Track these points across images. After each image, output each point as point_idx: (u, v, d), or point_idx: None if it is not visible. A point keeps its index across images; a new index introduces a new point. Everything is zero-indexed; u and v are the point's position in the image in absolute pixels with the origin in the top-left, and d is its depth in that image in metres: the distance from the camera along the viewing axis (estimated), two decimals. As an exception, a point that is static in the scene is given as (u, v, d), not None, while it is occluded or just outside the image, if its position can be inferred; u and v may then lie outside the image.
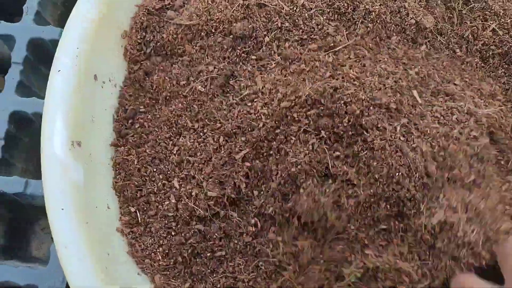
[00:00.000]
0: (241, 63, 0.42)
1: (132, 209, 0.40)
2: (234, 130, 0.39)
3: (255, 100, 0.39)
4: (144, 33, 0.44)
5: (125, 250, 0.39)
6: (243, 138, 0.38)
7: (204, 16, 0.43)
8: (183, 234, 0.38)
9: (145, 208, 0.40)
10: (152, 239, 0.39)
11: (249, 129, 0.38)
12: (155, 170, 0.41)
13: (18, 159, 0.51)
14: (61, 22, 0.58)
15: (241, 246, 0.37)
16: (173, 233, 0.39)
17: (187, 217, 0.38)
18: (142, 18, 0.45)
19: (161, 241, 0.39)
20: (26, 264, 0.49)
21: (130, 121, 0.43)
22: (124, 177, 0.41)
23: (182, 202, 0.38)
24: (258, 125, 0.38)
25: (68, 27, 0.42)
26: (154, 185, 0.40)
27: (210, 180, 0.38)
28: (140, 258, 0.39)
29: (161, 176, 0.40)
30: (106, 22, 0.43)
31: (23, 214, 0.52)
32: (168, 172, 0.40)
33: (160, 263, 0.39)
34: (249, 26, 0.42)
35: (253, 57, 0.42)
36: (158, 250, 0.39)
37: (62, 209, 0.36)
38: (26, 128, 0.50)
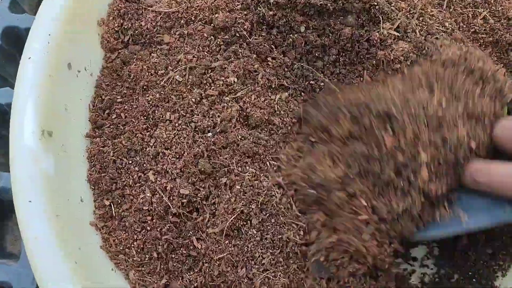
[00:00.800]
0: (219, 54, 0.41)
1: (107, 202, 0.39)
2: (208, 126, 0.38)
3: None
4: (121, 21, 0.43)
5: (98, 245, 0.38)
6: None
7: (184, 4, 0.42)
8: (158, 229, 0.37)
9: (120, 202, 0.38)
10: (127, 233, 0.37)
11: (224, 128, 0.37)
12: (130, 162, 0.39)
13: (-8, 151, 0.50)
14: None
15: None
16: (148, 228, 0.37)
17: (162, 212, 0.37)
18: (120, 5, 0.43)
19: (135, 236, 0.37)
20: (1, 260, 0.47)
21: (106, 112, 0.42)
22: (99, 169, 0.40)
23: (157, 196, 0.37)
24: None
25: (40, 13, 0.40)
26: (129, 178, 0.39)
27: (183, 176, 0.37)
28: (114, 253, 0.37)
29: (136, 169, 0.39)
30: (81, 8, 0.41)
31: (-3, 209, 0.50)
32: (144, 165, 0.38)
33: (134, 258, 0.37)
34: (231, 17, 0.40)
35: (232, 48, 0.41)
36: (132, 245, 0.37)
37: (30, 201, 0.34)
38: (1, 120, 0.49)
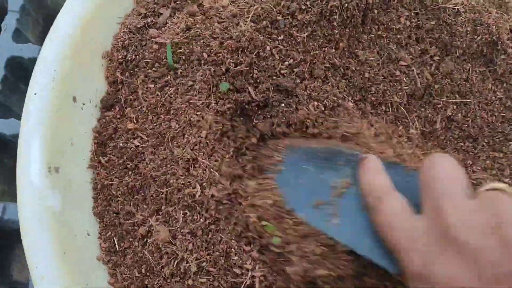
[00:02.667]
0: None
1: (112, 235, 0.39)
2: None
3: None
4: (125, 52, 0.43)
5: (106, 280, 0.38)
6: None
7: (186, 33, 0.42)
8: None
9: (122, 237, 0.38)
10: (129, 271, 0.37)
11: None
12: (132, 198, 0.39)
13: (-3, 181, 0.50)
14: (43, 39, 0.56)
15: None
16: (144, 272, 0.37)
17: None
18: (124, 36, 0.43)
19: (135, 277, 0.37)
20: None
21: (110, 144, 0.42)
22: (103, 202, 0.40)
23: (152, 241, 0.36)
24: None
25: (45, 46, 0.40)
26: (130, 216, 0.38)
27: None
28: None
29: (137, 208, 0.38)
30: (86, 40, 0.42)
31: (2, 239, 0.50)
32: (145, 205, 0.38)
33: None
34: None
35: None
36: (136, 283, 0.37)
37: (38, 240, 0.34)
38: (5, 150, 0.49)
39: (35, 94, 0.38)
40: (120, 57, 0.43)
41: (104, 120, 0.42)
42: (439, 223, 0.27)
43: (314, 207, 0.33)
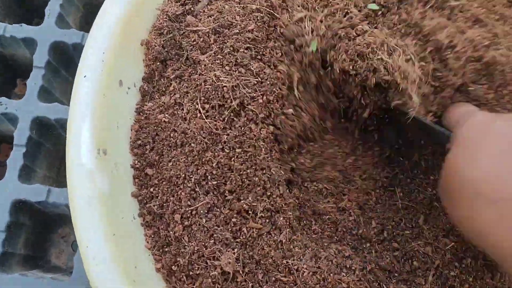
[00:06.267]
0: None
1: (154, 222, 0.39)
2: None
3: None
4: (162, 40, 0.42)
5: (152, 263, 0.38)
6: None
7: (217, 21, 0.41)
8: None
9: (167, 224, 0.38)
10: (173, 258, 0.37)
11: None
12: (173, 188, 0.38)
13: (40, 165, 0.50)
14: (83, 25, 0.56)
15: None
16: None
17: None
18: (163, 24, 0.43)
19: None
20: (49, 275, 0.47)
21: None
22: (142, 187, 0.40)
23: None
24: None
25: (93, 29, 0.40)
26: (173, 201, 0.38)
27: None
28: (165, 274, 0.37)
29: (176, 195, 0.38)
30: (132, 25, 0.41)
31: (43, 223, 0.51)
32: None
33: (185, 285, 0.37)
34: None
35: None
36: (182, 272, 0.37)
37: (90, 220, 0.34)
38: (48, 134, 0.49)
39: (84, 76, 0.38)
40: (157, 44, 0.42)
41: (140, 106, 0.42)
42: None
43: None
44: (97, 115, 0.38)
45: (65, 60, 0.51)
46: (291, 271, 0.35)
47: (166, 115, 0.39)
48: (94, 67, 0.39)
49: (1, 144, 0.58)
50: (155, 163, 0.39)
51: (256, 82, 0.38)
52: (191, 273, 0.36)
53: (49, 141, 0.50)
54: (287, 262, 0.35)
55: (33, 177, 0.49)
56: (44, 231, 0.52)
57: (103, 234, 0.35)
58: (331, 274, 0.35)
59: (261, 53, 0.40)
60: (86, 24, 0.56)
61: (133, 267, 0.36)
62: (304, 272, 0.34)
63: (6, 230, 0.45)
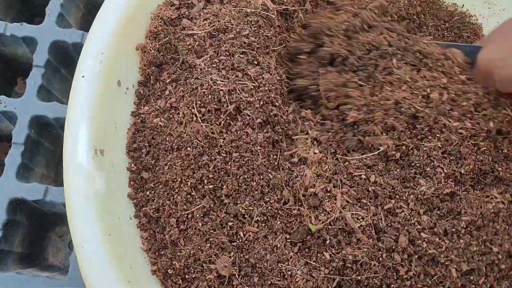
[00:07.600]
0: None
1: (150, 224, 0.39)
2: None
3: None
4: (157, 44, 0.42)
5: (147, 265, 0.38)
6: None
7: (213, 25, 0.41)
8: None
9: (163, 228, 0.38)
10: (169, 261, 0.37)
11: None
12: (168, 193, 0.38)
13: (38, 164, 0.50)
14: (83, 24, 0.57)
15: None
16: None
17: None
18: (158, 28, 0.43)
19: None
20: (45, 273, 0.47)
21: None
22: (138, 189, 0.40)
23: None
24: None
25: (93, 29, 0.40)
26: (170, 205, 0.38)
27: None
28: (161, 277, 0.37)
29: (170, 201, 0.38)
30: (131, 26, 0.41)
31: (41, 221, 0.51)
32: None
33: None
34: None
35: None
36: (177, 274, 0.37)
37: (85, 220, 0.34)
38: (47, 133, 0.49)
39: (83, 76, 0.38)
40: (153, 47, 0.42)
41: (136, 109, 0.42)
42: None
43: None
44: (95, 114, 0.38)
45: (65, 59, 0.51)
46: (285, 276, 0.34)
47: (162, 119, 0.39)
48: (92, 67, 0.39)
49: (0, 142, 0.59)
50: (151, 166, 0.39)
51: (253, 87, 0.38)
52: (187, 276, 0.36)
53: (47, 140, 0.50)
54: (281, 266, 0.35)
55: (31, 176, 0.49)
56: (41, 230, 0.52)
57: (99, 234, 0.35)
58: (324, 282, 0.35)
59: (257, 58, 0.40)
60: (86, 24, 0.56)
61: (128, 267, 0.36)
62: (298, 278, 0.34)
63: (3, 228, 0.45)
